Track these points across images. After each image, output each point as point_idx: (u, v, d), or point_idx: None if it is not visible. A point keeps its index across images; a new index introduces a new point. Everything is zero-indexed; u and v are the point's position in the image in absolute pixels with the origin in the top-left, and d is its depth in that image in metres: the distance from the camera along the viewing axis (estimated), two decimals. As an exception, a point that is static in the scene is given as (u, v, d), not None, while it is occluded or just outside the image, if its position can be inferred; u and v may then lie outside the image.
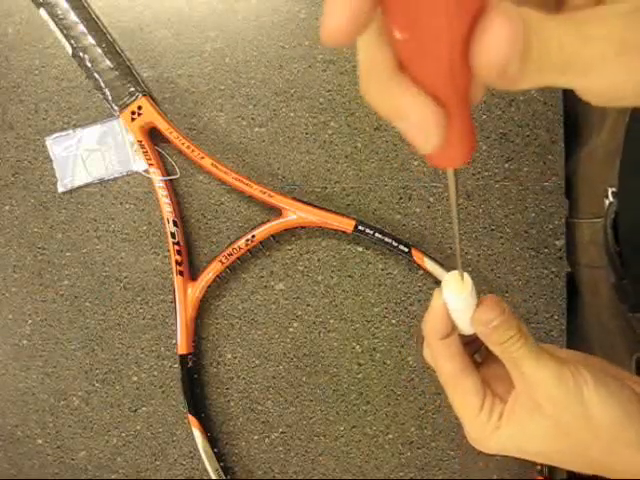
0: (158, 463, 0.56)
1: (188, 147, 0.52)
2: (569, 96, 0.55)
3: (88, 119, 0.55)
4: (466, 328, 0.31)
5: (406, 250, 0.52)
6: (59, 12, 0.52)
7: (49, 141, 0.55)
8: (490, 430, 0.31)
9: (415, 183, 0.55)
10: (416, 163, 0.55)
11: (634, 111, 0.45)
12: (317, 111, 0.55)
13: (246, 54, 0.55)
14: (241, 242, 0.53)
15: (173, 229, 0.52)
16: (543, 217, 0.55)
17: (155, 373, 0.56)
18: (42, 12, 0.52)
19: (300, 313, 0.55)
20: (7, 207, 0.56)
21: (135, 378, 0.56)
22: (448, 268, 0.53)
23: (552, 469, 0.54)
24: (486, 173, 0.55)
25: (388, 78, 0.19)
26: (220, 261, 0.53)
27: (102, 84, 0.52)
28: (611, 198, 0.48)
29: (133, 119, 0.52)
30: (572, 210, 0.55)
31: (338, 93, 0.55)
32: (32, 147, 0.56)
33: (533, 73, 0.19)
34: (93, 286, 0.56)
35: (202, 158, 0.52)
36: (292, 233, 0.55)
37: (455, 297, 0.30)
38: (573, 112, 0.55)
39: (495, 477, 0.55)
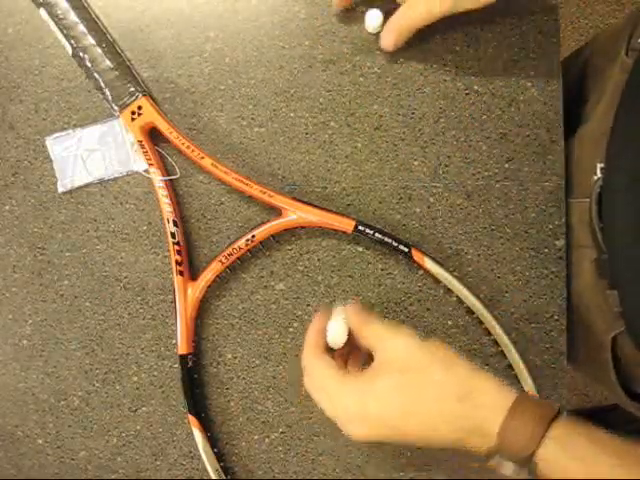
0: (158, 463, 0.56)
1: (188, 147, 0.52)
2: (574, 80, 0.56)
3: (88, 119, 0.55)
4: (337, 343, 0.45)
5: (406, 250, 0.52)
6: (59, 12, 0.52)
7: (49, 141, 0.55)
8: (341, 383, 0.42)
9: (415, 183, 0.55)
10: (416, 163, 0.55)
11: (627, 87, 0.45)
12: (317, 111, 0.55)
13: (246, 54, 0.55)
14: (241, 242, 0.53)
15: (173, 229, 0.52)
16: (543, 217, 0.55)
17: (155, 373, 0.56)
18: (42, 12, 0.52)
19: (300, 313, 0.55)
20: (7, 207, 0.56)
21: (135, 378, 0.56)
22: (447, 268, 0.53)
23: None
24: (486, 173, 0.55)
25: None
26: (220, 261, 0.53)
27: (102, 84, 0.52)
28: (599, 174, 0.49)
29: (133, 119, 0.52)
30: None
31: (338, 93, 0.55)
32: (32, 147, 0.56)
33: None
34: (93, 286, 0.56)
35: (202, 158, 0.52)
36: (292, 233, 0.55)
37: (336, 324, 0.45)
38: (567, 98, 0.55)
39: (494, 477, 0.55)
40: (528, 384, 0.52)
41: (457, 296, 0.53)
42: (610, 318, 0.49)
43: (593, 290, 0.52)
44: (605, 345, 0.51)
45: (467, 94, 0.55)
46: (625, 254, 0.45)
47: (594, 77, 0.57)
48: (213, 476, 0.53)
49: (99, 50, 0.52)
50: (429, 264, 0.52)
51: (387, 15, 0.54)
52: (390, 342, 0.42)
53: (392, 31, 0.51)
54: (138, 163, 0.55)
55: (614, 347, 0.51)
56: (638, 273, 0.44)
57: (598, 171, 0.49)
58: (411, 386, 0.40)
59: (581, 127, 0.56)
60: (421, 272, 0.55)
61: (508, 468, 0.38)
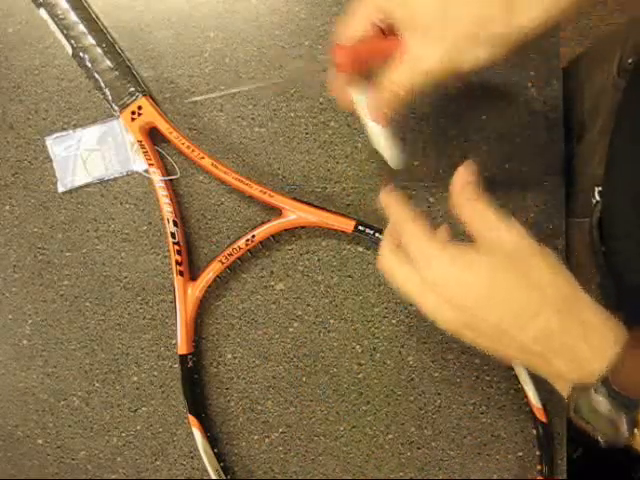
0: (158, 463, 0.56)
1: (188, 147, 0.52)
2: (568, 96, 0.55)
3: (88, 119, 0.55)
4: None
5: (406, 250, 0.52)
6: (59, 12, 0.52)
7: (49, 141, 0.55)
8: (438, 248, 0.37)
9: (415, 183, 0.55)
10: (416, 163, 0.55)
11: (621, 110, 0.45)
12: (317, 111, 0.55)
13: (246, 54, 0.55)
14: (241, 242, 0.53)
15: (173, 229, 0.52)
16: (543, 217, 0.55)
17: (155, 373, 0.56)
18: (42, 12, 0.52)
19: (300, 313, 0.55)
20: (7, 207, 0.56)
21: (135, 378, 0.56)
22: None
23: (552, 469, 0.54)
24: (486, 173, 0.55)
25: None
26: (220, 261, 0.53)
27: (102, 84, 0.52)
28: (597, 197, 0.48)
29: (133, 119, 0.52)
30: None
31: (338, 93, 0.55)
32: (32, 147, 0.56)
33: None
34: (93, 286, 0.56)
35: (202, 158, 0.52)
36: (292, 233, 0.55)
37: None
38: (565, 114, 0.55)
39: (495, 477, 0.55)
40: (528, 384, 0.52)
41: (457, 296, 0.53)
42: None
43: None
44: None
45: (467, 94, 0.55)
46: (629, 279, 0.44)
47: (589, 91, 0.56)
48: (213, 476, 0.53)
49: (99, 50, 0.52)
50: (429, 264, 0.52)
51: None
52: (503, 224, 0.37)
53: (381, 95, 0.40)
54: (138, 163, 0.55)
55: None
56: None
57: (596, 194, 0.49)
58: (513, 272, 0.35)
59: (578, 145, 0.55)
60: (421, 272, 0.54)
61: (604, 406, 0.32)
